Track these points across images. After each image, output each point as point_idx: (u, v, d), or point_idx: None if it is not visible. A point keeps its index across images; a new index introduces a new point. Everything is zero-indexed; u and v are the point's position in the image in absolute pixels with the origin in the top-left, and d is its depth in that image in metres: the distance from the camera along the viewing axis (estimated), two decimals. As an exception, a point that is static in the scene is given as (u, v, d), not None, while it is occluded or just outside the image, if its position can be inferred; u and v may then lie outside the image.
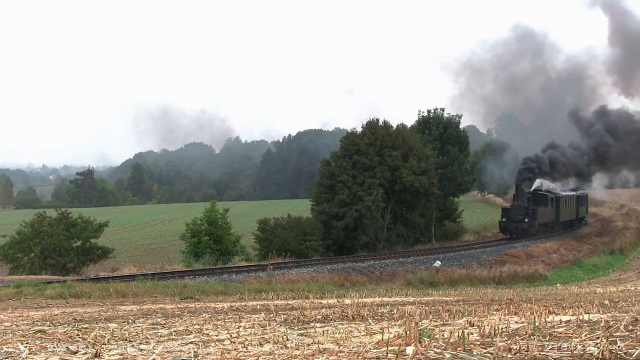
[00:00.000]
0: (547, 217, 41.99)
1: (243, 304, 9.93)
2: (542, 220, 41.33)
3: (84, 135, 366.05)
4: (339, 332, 4.37)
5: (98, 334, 4.41)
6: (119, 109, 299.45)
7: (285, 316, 6.08)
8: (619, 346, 2.80)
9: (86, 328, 4.95)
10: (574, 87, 46.42)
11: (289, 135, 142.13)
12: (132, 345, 3.85)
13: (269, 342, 3.86)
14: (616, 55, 49.11)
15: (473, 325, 4.29)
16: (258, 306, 8.89)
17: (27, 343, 3.85)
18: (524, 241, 39.31)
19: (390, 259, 29.10)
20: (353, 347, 3.26)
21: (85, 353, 3.48)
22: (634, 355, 2.62)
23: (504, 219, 40.26)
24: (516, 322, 4.43)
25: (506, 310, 6.32)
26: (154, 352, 3.45)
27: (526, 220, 39.01)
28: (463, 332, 3.24)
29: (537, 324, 3.90)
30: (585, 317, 4.53)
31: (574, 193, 47.01)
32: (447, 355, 2.75)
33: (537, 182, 43.46)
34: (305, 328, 4.82)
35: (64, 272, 27.40)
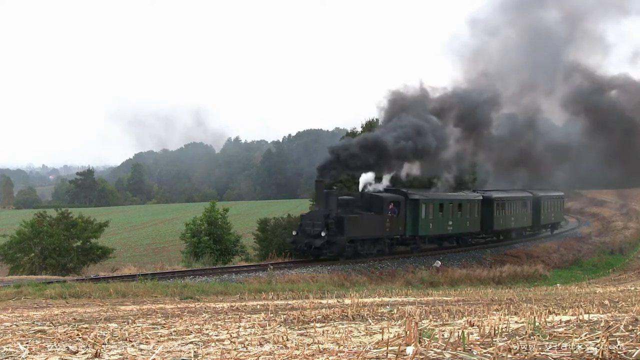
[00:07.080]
0: (375, 229, 27.78)
1: (243, 304, 9.93)
2: (363, 234, 27.16)
3: (84, 135, 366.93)
4: (339, 332, 4.37)
5: (98, 334, 4.41)
6: (119, 108, 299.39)
7: (285, 316, 6.08)
8: (619, 346, 2.81)
9: (86, 328, 4.95)
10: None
11: (289, 135, 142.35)
12: (132, 345, 3.85)
13: (269, 342, 3.86)
14: None
15: (473, 325, 4.29)
16: (258, 306, 8.88)
17: (27, 343, 3.85)
18: (524, 241, 39.26)
19: (390, 259, 29.06)
20: (353, 347, 3.27)
21: (85, 353, 3.48)
22: (634, 355, 2.62)
23: (295, 232, 26.76)
24: (516, 322, 4.43)
25: (506, 310, 6.32)
26: (154, 352, 3.45)
27: (323, 234, 25.38)
28: (463, 332, 3.25)
29: (537, 324, 3.90)
30: (585, 317, 4.53)
31: (468, 196, 34.97)
32: (447, 355, 2.75)
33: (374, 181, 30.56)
34: (305, 328, 4.82)
35: (64, 272, 27.36)
